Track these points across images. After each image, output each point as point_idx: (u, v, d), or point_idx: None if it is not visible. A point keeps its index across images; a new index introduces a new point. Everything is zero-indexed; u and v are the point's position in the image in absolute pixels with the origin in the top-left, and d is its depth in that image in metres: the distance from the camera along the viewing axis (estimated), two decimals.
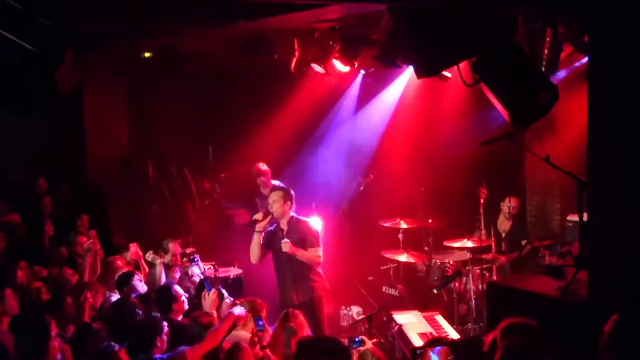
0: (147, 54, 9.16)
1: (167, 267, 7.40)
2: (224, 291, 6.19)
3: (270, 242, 6.61)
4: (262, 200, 9.05)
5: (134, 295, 6.24)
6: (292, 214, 6.61)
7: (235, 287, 7.93)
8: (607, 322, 3.43)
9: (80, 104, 9.43)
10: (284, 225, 6.60)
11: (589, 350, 3.59)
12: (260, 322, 5.12)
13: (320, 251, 6.55)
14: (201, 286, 6.31)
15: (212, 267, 7.92)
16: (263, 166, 8.84)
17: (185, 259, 7.92)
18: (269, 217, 6.51)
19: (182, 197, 10.34)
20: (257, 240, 6.53)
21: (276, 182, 8.84)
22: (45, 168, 9.26)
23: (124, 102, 10.11)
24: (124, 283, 6.40)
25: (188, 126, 10.88)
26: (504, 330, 3.59)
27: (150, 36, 7.83)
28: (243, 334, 5.37)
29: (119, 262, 7.22)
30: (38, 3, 3.72)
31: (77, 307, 5.82)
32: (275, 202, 6.50)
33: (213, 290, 5.94)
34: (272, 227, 6.66)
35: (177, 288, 6.00)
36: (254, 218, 6.55)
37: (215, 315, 5.65)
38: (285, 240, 6.42)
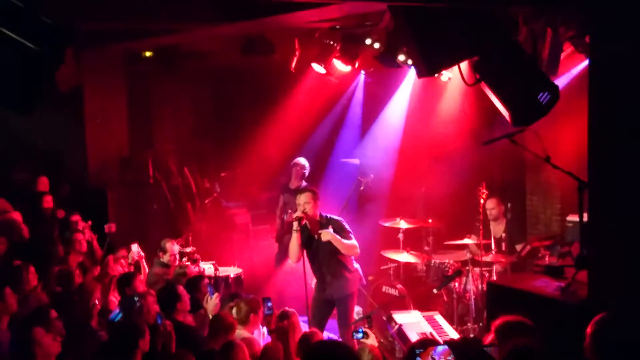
0: (147, 53, 9.17)
1: (166, 267, 7.40)
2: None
3: (305, 241, 6.53)
4: (285, 194, 9.00)
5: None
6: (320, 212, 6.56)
7: (236, 286, 7.93)
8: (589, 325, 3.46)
9: (81, 102, 9.43)
10: (315, 224, 6.50)
11: None
12: (270, 304, 5.08)
13: (356, 243, 6.48)
14: (192, 283, 6.31)
15: (212, 267, 7.92)
16: (305, 162, 8.88)
17: (185, 259, 7.93)
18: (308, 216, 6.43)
19: (183, 196, 10.33)
20: (296, 238, 6.44)
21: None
22: (46, 167, 9.25)
23: (125, 101, 10.10)
24: (126, 283, 6.32)
25: (188, 125, 10.88)
26: (503, 328, 3.59)
27: (151, 35, 7.85)
28: (244, 333, 5.38)
29: (122, 261, 7.21)
30: (39, 1, 3.72)
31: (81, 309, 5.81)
32: (307, 202, 6.45)
33: (216, 294, 5.95)
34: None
35: (181, 288, 5.99)
36: (296, 216, 6.46)
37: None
38: (327, 230, 6.34)
